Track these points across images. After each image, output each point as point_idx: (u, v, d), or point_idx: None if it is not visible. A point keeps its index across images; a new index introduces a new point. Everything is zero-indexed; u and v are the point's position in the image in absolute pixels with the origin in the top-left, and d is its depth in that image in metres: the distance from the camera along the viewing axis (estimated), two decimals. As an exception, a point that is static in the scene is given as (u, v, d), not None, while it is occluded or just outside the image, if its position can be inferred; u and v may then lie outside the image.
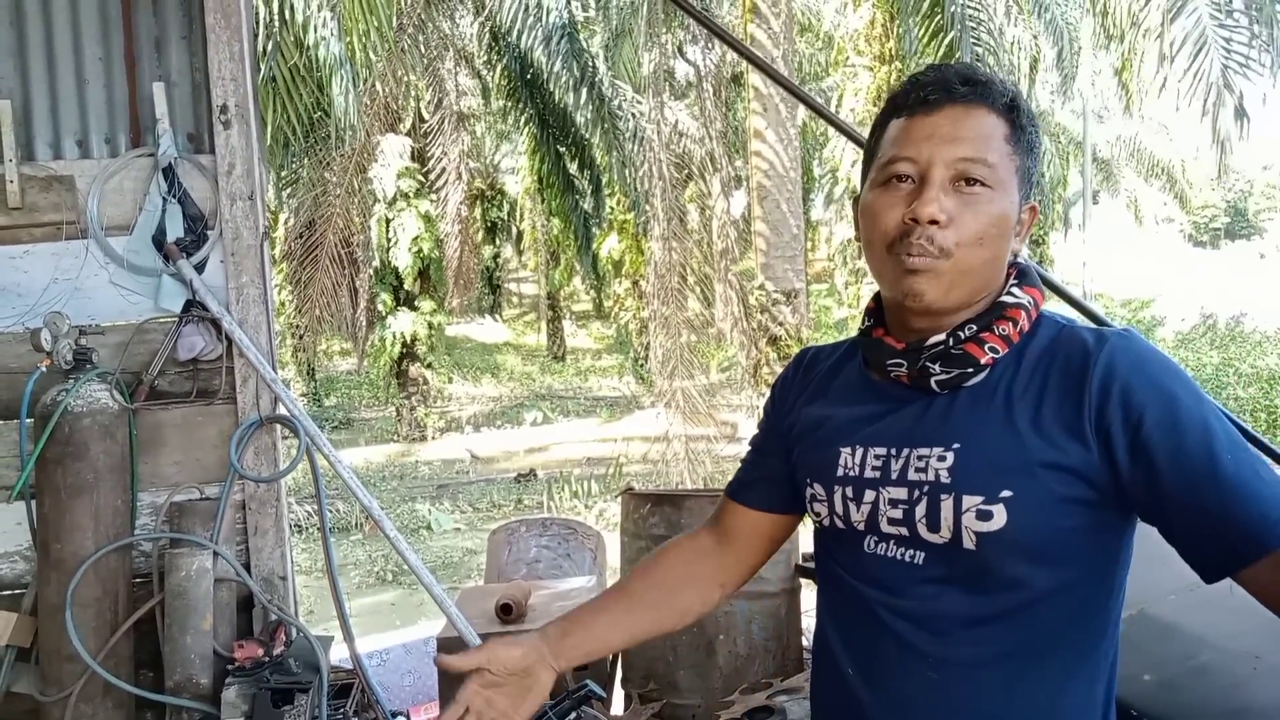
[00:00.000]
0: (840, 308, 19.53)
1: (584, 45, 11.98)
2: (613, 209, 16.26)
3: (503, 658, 1.12)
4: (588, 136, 12.36)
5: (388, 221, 14.37)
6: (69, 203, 2.52)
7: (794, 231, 10.79)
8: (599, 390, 20.53)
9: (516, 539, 3.71)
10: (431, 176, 14.62)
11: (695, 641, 2.88)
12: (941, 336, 1.01)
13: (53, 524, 2.32)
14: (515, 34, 11.43)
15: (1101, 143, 22.76)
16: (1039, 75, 13.24)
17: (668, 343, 10.46)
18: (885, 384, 1.07)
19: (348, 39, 8.47)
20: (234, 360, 2.54)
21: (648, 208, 11.01)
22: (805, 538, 2.41)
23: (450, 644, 2.45)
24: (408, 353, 15.11)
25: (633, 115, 11.70)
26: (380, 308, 15.12)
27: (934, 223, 0.97)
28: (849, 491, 1.06)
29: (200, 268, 2.54)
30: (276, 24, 8.28)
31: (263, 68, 8.12)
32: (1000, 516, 0.94)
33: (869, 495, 1.04)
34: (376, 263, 14.65)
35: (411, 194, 14.34)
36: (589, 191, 14.40)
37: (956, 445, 0.98)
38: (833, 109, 11.99)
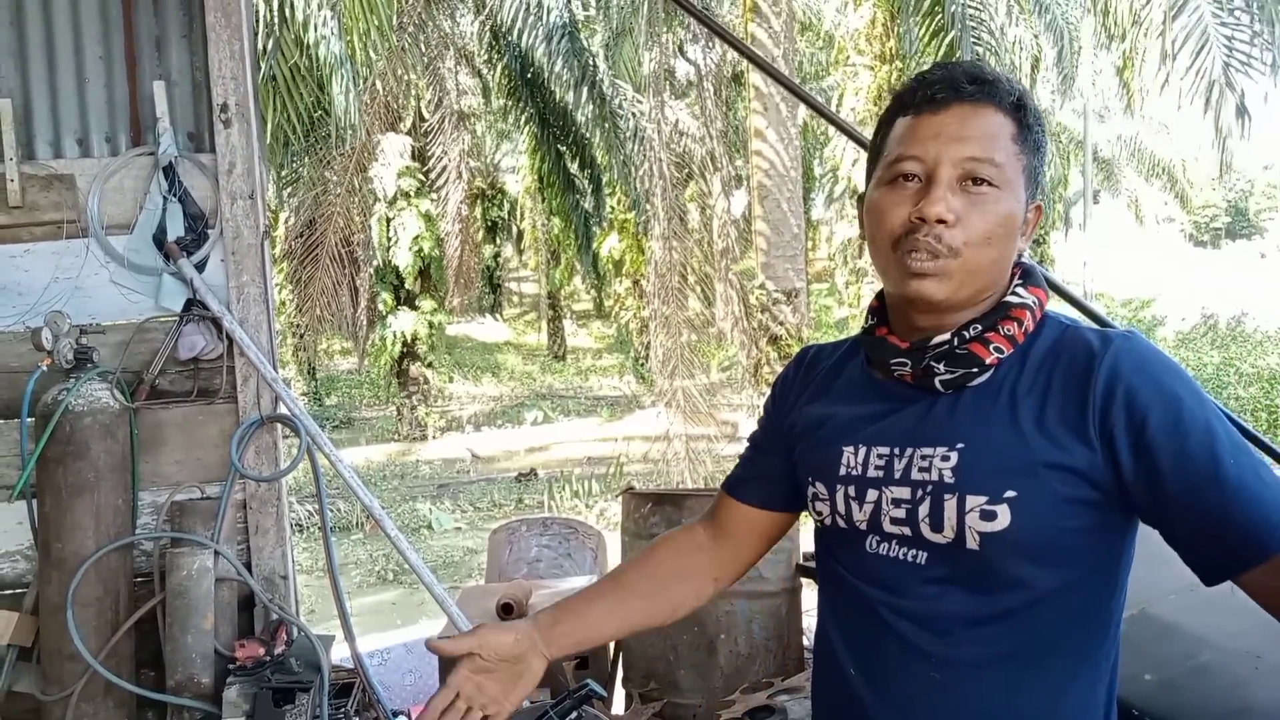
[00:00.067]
0: (841, 307, 19.52)
1: (584, 44, 11.97)
2: (613, 208, 16.26)
3: (494, 643, 1.12)
4: (588, 135, 12.36)
5: (388, 221, 14.37)
6: (69, 202, 2.52)
7: (794, 231, 10.79)
8: (599, 390, 20.53)
9: (517, 538, 3.71)
10: (432, 175, 14.62)
11: (696, 641, 2.88)
12: (946, 336, 1.01)
13: (54, 523, 2.32)
14: (516, 33, 11.43)
15: (1102, 142, 22.75)
16: (1040, 74, 13.22)
17: (668, 342, 10.45)
18: (888, 383, 1.07)
19: (348, 38, 8.47)
20: (235, 359, 2.54)
21: (648, 207, 11.00)
22: (806, 537, 2.41)
23: (451, 643, 2.44)
24: (408, 352, 15.11)
25: (633, 114, 11.70)
26: (381, 307, 15.12)
27: (941, 222, 0.97)
28: (851, 491, 1.06)
29: (201, 267, 2.54)
30: (276, 23, 8.27)
31: (263, 66, 8.12)
32: (1004, 517, 0.94)
33: (871, 495, 1.04)
34: (377, 262, 14.65)
35: (412, 193, 14.33)
36: (589, 190, 14.40)
37: (960, 445, 0.98)
38: (833, 108, 11.98)
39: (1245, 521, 0.87)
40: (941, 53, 8.73)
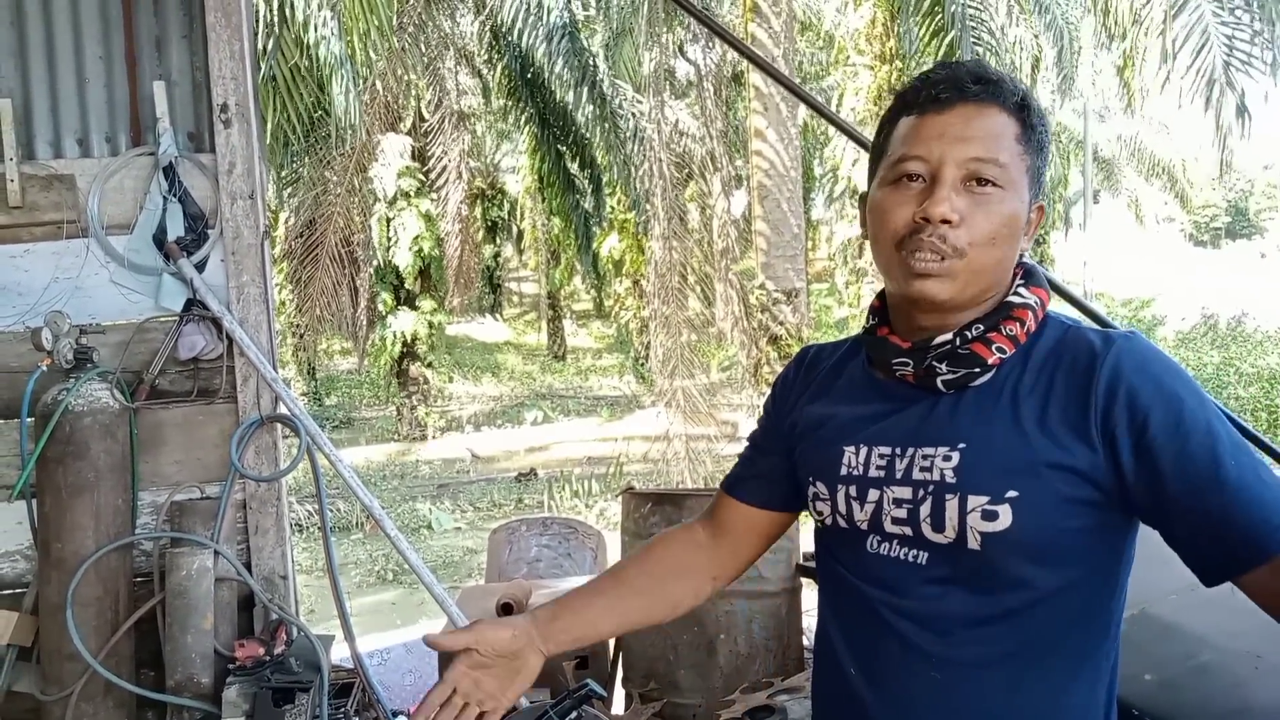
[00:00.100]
0: (841, 307, 19.52)
1: (585, 44, 11.97)
2: (613, 208, 16.25)
3: (491, 639, 1.11)
4: (588, 136, 12.36)
5: (388, 221, 14.37)
6: (69, 202, 2.52)
7: (794, 231, 10.79)
8: (599, 389, 20.53)
9: (517, 538, 3.71)
10: (432, 175, 14.62)
11: (696, 641, 2.88)
12: (948, 336, 1.01)
13: (53, 523, 2.32)
14: (516, 33, 11.43)
15: (1102, 142, 22.74)
16: (1040, 74, 13.22)
17: (668, 342, 10.45)
18: (890, 383, 1.07)
19: (348, 38, 8.47)
20: (235, 359, 2.54)
21: (648, 207, 11.00)
22: (806, 537, 2.41)
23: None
24: (408, 352, 15.11)
25: (633, 114, 11.70)
26: (381, 307, 15.11)
27: (946, 222, 0.97)
28: (852, 491, 1.06)
29: (201, 267, 2.54)
30: (276, 23, 8.27)
31: (263, 67, 8.12)
32: (1006, 517, 0.94)
33: (873, 495, 1.04)
34: (377, 262, 14.65)
35: (412, 193, 14.33)
36: (589, 190, 14.40)
37: (962, 445, 0.98)
38: (833, 108, 11.98)
39: (1246, 522, 0.87)
40: (941, 53, 8.73)
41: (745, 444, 1.28)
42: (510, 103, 13.34)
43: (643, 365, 18.24)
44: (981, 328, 1.00)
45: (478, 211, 20.62)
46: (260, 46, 7.89)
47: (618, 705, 3.02)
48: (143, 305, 2.54)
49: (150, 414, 2.53)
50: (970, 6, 8.95)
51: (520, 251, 28.40)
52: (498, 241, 24.78)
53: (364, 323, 16.17)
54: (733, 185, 16.01)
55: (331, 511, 9.78)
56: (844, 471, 1.07)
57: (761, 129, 10.56)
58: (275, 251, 10.41)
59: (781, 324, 10.60)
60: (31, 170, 2.51)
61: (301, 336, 16.00)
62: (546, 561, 3.56)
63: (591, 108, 11.43)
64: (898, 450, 1.03)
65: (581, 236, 14.73)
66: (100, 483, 2.34)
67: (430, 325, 15.13)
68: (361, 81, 9.71)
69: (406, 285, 14.80)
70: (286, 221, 12.95)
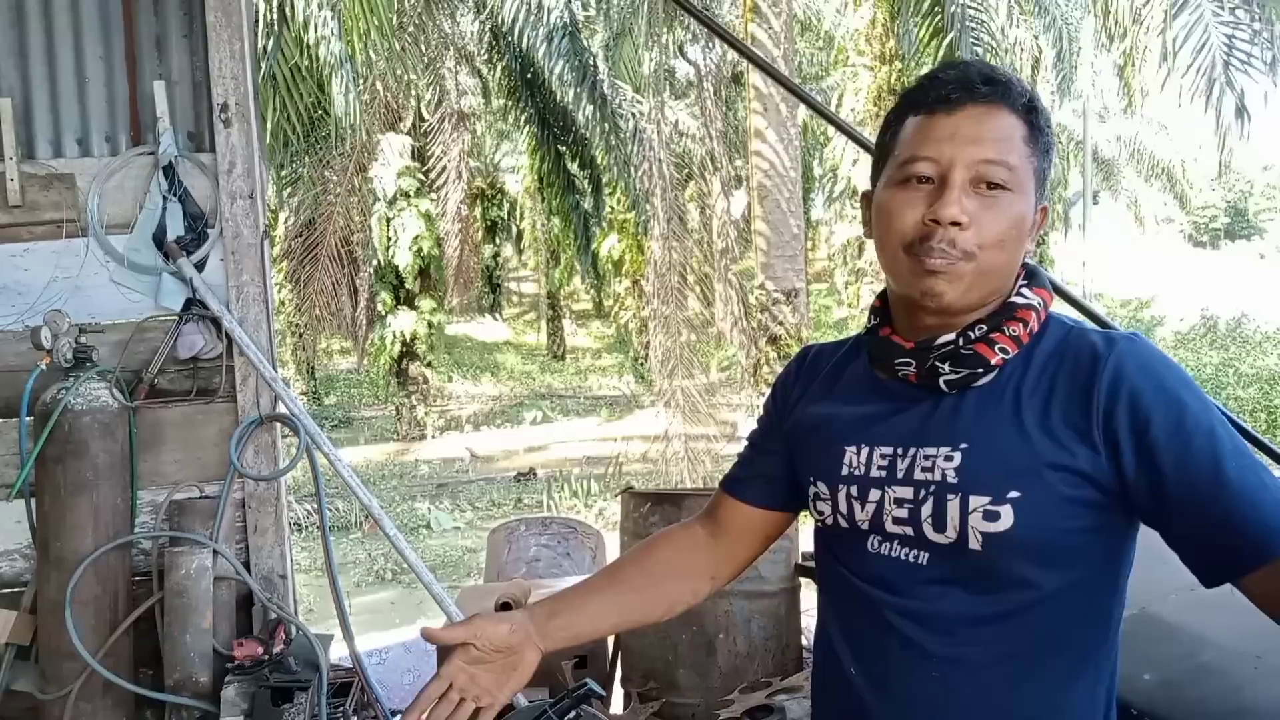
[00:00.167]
0: (840, 307, 19.54)
1: (585, 44, 11.97)
2: (613, 208, 16.26)
3: (489, 634, 1.10)
4: (588, 136, 12.36)
5: (388, 220, 14.36)
6: (69, 201, 2.52)
7: (794, 231, 10.79)
8: (599, 389, 20.53)
9: (516, 538, 3.71)
10: (432, 175, 14.62)
11: (695, 640, 2.88)
12: (951, 336, 1.01)
13: (52, 522, 2.32)
14: (516, 33, 11.42)
15: (1102, 142, 22.74)
16: (1040, 75, 13.22)
17: (668, 342, 10.46)
18: (892, 383, 1.07)
19: (348, 38, 8.47)
20: (234, 359, 2.54)
21: (648, 207, 11.01)
22: (805, 537, 2.41)
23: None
24: (407, 351, 15.11)
25: (633, 115, 11.70)
26: (380, 306, 15.11)
27: (956, 224, 0.96)
28: (854, 491, 1.05)
29: (200, 266, 2.54)
30: (276, 22, 8.27)
31: (263, 66, 8.12)
32: (1007, 517, 0.94)
33: (874, 494, 1.03)
34: (376, 261, 14.65)
35: (412, 193, 14.33)
36: (589, 190, 14.39)
37: (964, 445, 0.98)
38: (833, 108, 11.99)
39: (1246, 525, 0.87)
40: (941, 53, 8.72)
41: (745, 444, 1.27)
42: (510, 103, 13.33)
43: (642, 365, 18.25)
44: (985, 328, 1.00)
45: (477, 211, 20.63)
46: (260, 46, 7.89)
47: (616, 704, 3.02)
48: (142, 304, 2.54)
49: (149, 413, 2.53)
50: (970, 7, 8.95)
51: (520, 251, 28.40)
52: (497, 241, 24.79)
53: (363, 322, 16.19)
54: (732, 185, 16.02)
55: (330, 511, 9.77)
56: (845, 471, 1.07)
57: (761, 129, 10.56)
58: (275, 251, 10.41)
59: (781, 324, 10.60)
60: (31, 169, 2.51)
61: (301, 336, 16.02)
62: (545, 561, 3.56)
63: (591, 108, 11.42)
64: (899, 450, 1.03)
65: (581, 236, 14.72)
66: (99, 482, 2.33)
67: (430, 325, 15.13)
68: (361, 81, 9.71)
69: (406, 285, 14.80)
70: (286, 221, 12.95)
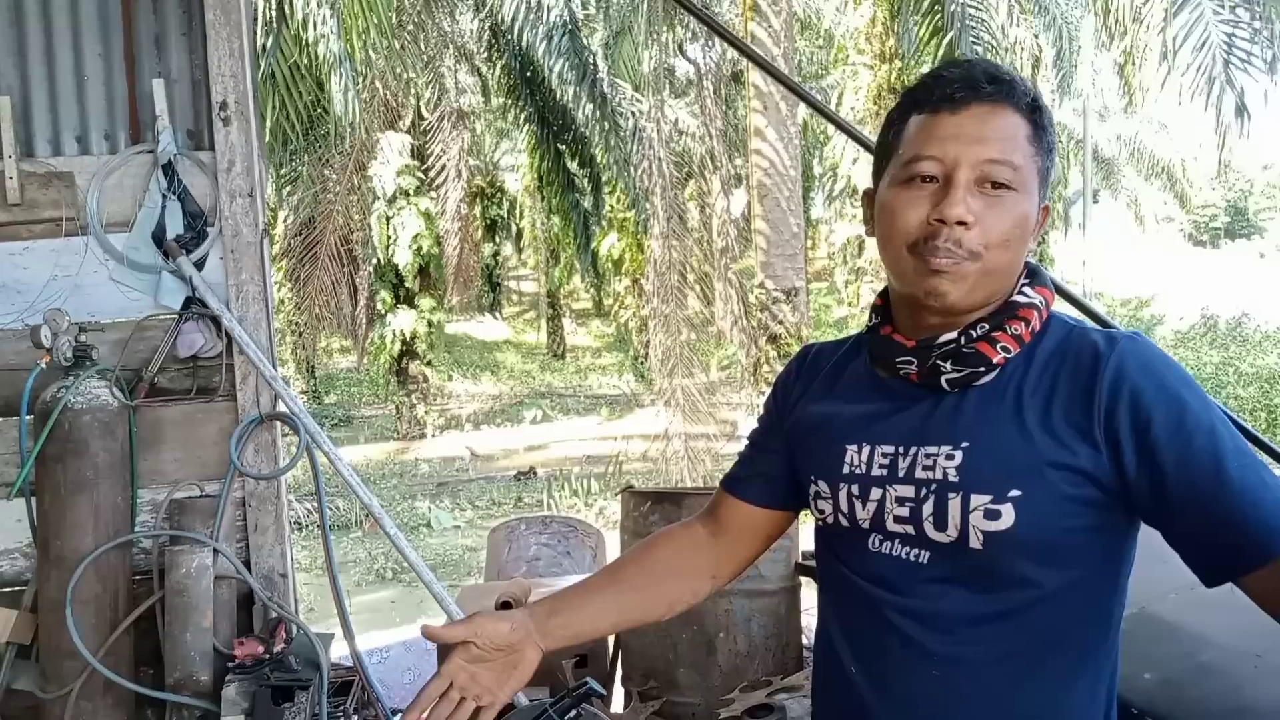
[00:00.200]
0: (840, 306, 19.54)
1: (584, 43, 11.96)
2: (613, 207, 16.25)
3: (490, 632, 1.10)
4: (588, 134, 12.36)
5: (387, 219, 14.36)
6: (68, 199, 2.52)
7: (794, 230, 10.79)
8: (599, 388, 20.53)
9: (516, 537, 3.71)
10: (431, 174, 14.61)
11: (695, 639, 2.88)
12: (953, 335, 1.01)
13: (53, 521, 2.32)
14: (515, 31, 11.41)
15: (1102, 142, 22.74)
16: (1040, 74, 13.23)
17: (668, 341, 10.45)
18: (893, 381, 1.07)
19: (347, 36, 8.46)
20: (234, 357, 2.54)
21: (648, 206, 11.00)
22: (805, 536, 2.41)
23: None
24: (407, 350, 15.11)
25: (633, 113, 11.69)
26: (380, 305, 15.11)
27: (961, 224, 0.96)
28: (855, 489, 1.05)
29: (200, 265, 2.53)
30: (275, 20, 8.27)
31: (262, 64, 8.11)
32: (1008, 516, 0.94)
33: (875, 493, 1.03)
34: (376, 260, 14.65)
35: (411, 191, 14.32)
36: (589, 189, 14.39)
37: (965, 444, 0.98)
38: (833, 107, 11.98)
39: (1248, 524, 0.87)
40: (941, 52, 8.72)
41: (745, 443, 1.27)
42: (510, 101, 13.32)
43: (642, 364, 18.25)
44: (987, 327, 1.00)
45: (477, 210, 20.62)
46: (259, 44, 7.89)
47: (617, 704, 3.02)
48: (142, 303, 2.54)
49: (149, 412, 2.52)
50: (970, 5, 8.95)
51: (520, 250, 28.39)
52: (497, 240, 24.78)
53: (363, 321, 16.18)
54: (732, 184, 16.02)
55: (331, 509, 9.77)
56: (846, 470, 1.06)
57: (761, 128, 10.55)
58: (274, 249, 10.40)
59: (781, 323, 10.60)
60: (30, 168, 2.51)
61: (300, 335, 16.02)
62: (546, 560, 3.56)
63: (591, 106, 11.42)
64: (900, 449, 1.02)
65: (581, 235, 14.71)
66: (99, 480, 2.33)
67: (429, 323, 15.13)
68: (361, 79, 9.70)
69: (406, 283, 14.80)
70: (285, 219, 12.95)
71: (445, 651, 1.14)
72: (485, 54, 13.54)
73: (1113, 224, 28.13)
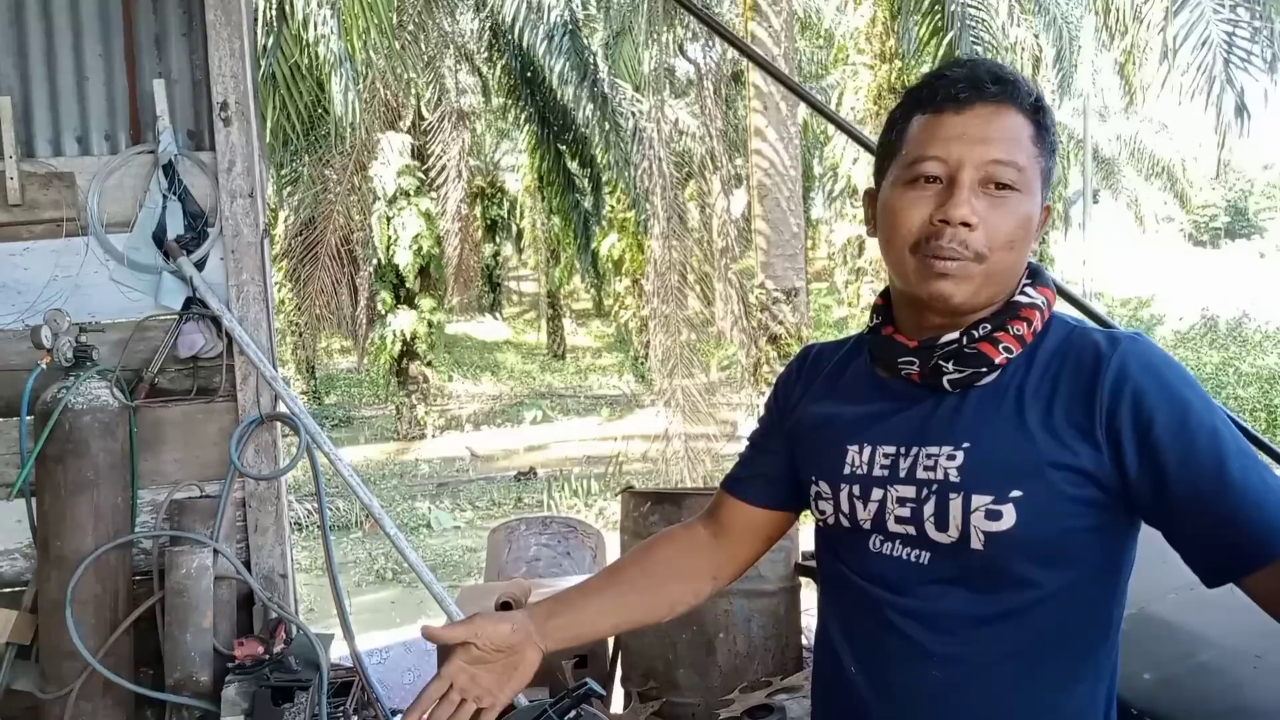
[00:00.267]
0: (840, 306, 19.54)
1: (585, 43, 11.97)
2: (613, 207, 16.27)
3: (490, 633, 1.10)
4: (588, 134, 12.36)
5: (388, 219, 14.36)
6: (69, 199, 2.52)
7: (794, 230, 10.78)
8: (599, 389, 20.53)
9: (516, 537, 3.71)
10: (432, 174, 14.62)
11: (695, 640, 2.88)
12: (955, 335, 1.00)
13: (53, 521, 2.32)
14: (516, 31, 11.42)
15: (1102, 142, 22.74)
16: (1040, 74, 13.23)
17: (668, 341, 10.45)
18: (894, 381, 1.07)
19: (347, 36, 8.47)
20: (234, 358, 2.54)
21: (648, 206, 11.00)
22: (805, 536, 2.41)
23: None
24: (408, 351, 15.11)
25: (633, 113, 11.70)
26: (380, 306, 15.11)
27: (965, 225, 0.96)
28: (856, 490, 1.05)
29: (200, 265, 2.54)
30: (276, 21, 8.27)
31: (262, 65, 8.12)
32: (1009, 516, 0.94)
33: (876, 494, 1.03)
34: (376, 260, 14.65)
35: (412, 191, 14.33)
36: (589, 189, 14.40)
37: (967, 444, 0.98)
38: (833, 107, 11.98)
39: (1249, 525, 0.87)
40: (941, 52, 8.72)
41: (746, 443, 1.27)
42: (510, 101, 13.33)
43: (642, 364, 18.25)
44: (989, 327, 1.00)
45: (477, 210, 20.63)
46: (260, 44, 7.89)
47: (617, 704, 3.02)
48: (142, 303, 2.54)
49: (150, 412, 2.52)
50: (970, 5, 8.94)
51: (520, 250, 28.39)
52: (497, 240, 24.79)
53: (363, 321, 16.18)
54: (732, 184, 16.02)
55: (331, 510, 9.77)
56: (847, 470, 1.06)
57: (761, 128, 10.55)
58: (275, 250, 10.39)
59: (781, 323, 10.60)
60: (31, 168, 2.51)
61: (301, 335, 16.02)
62: (546, 560, 3.56)
63: (591, 106, 11.42)
64: (902, 449, 1.02)
65: (581, 235, 14.72)
66: (100, 481, 2.33)
67: (430, 324, 15.13)
68: (361, 80, 9.70)
69: (406, 284, 14.80)
70: (286, 220, 12.95)
71: (445, 652, 1.14)
72: (485, 54, 13.54)
73: (1113, 224, 28.14)
